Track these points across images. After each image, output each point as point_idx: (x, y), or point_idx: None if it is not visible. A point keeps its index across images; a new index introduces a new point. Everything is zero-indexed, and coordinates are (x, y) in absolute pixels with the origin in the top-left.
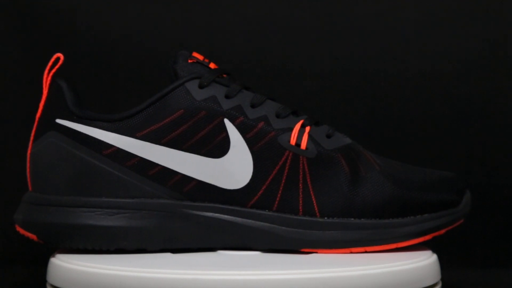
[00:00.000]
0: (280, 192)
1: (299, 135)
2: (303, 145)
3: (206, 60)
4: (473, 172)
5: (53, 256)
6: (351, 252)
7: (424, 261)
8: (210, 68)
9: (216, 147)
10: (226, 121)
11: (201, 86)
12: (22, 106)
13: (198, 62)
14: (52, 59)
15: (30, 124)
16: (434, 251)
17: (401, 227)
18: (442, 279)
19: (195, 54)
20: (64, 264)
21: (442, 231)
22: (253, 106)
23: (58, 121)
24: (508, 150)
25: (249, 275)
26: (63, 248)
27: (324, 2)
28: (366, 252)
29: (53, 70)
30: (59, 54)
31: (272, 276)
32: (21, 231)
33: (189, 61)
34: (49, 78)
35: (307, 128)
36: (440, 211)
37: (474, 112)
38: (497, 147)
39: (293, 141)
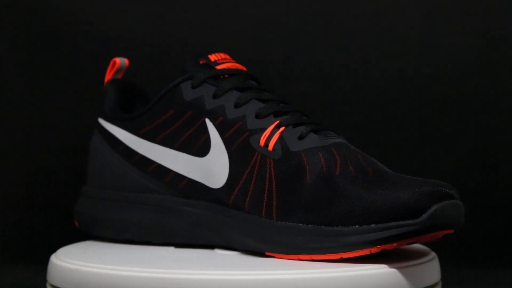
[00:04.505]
0: (249, 193)
1: (269, 136)
2: (271, 146)
3: (224, 60)
4: (473, 172)
5: (53, 256)
6: (299, 259)
7: (424, 261)
8: (213, 69)
9: (202, 146)
10: (207, 120)
11: (193, 87)
12: (21, 106)
13: (207, 62)
14: (111, 63)
15: (30, 124)
16: (434, 251)
17: (344, 236)
18: (442, 279)
19: (216, 55)
20: (64, 264)
21: (395, 244)
22: (236, 106)
23: (99, 119)
24: (508, 150)
25: (244, 275)
26: (92, 235)
27: (324, 2)
28: (312, 260)
29: (111, 73)
30: (116, 59)
31: (266, 276)
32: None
33: (201, 62)
34: (106, 81)
35: (281, 129)
36: (391, 221)
37: (474, 112)
38: (497, 147)
39: (262, 142)
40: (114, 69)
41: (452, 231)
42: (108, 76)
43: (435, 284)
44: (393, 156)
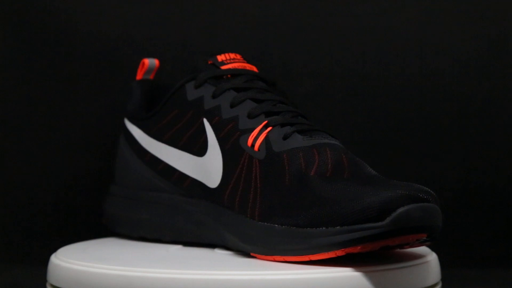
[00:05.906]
0: (239, 193)
1: (256, 136)
2: (257, 146)
3: (232, 60)
4: (473, 172)
5: (53, 256)
6: (274, 260)
7: (424, 261)
8: (216, 69)
9: (201, 146)
10: (205, 120)
11: (195, 87)
12: (21, 107)
13: (213, 63)
14: (140, 64)
15: (29, 124)
16: (434, 251)
17: (312, 238)
18: (442, 279)
19: (225, 55)
20: (64, 264)
21: (359, 248)
22: (232, 106)
23: (125, 120)
24: (508, 150)
25: (244, 275)
26: (114, 232)
27: (324, 2)
28: (285, 261)
29: (141, 73)
30: (145, 60)
31: (267, 276)
32: None
33: (209, 62)
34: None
35: (268, 129)
36: (356, 224)
37: (474, 111)
38: (497, 147)
39: (249, 142)
40: (144, 70)
41: (424, 235)
42: (138, 77)
43: (435, 284)
44: (392, 156)
